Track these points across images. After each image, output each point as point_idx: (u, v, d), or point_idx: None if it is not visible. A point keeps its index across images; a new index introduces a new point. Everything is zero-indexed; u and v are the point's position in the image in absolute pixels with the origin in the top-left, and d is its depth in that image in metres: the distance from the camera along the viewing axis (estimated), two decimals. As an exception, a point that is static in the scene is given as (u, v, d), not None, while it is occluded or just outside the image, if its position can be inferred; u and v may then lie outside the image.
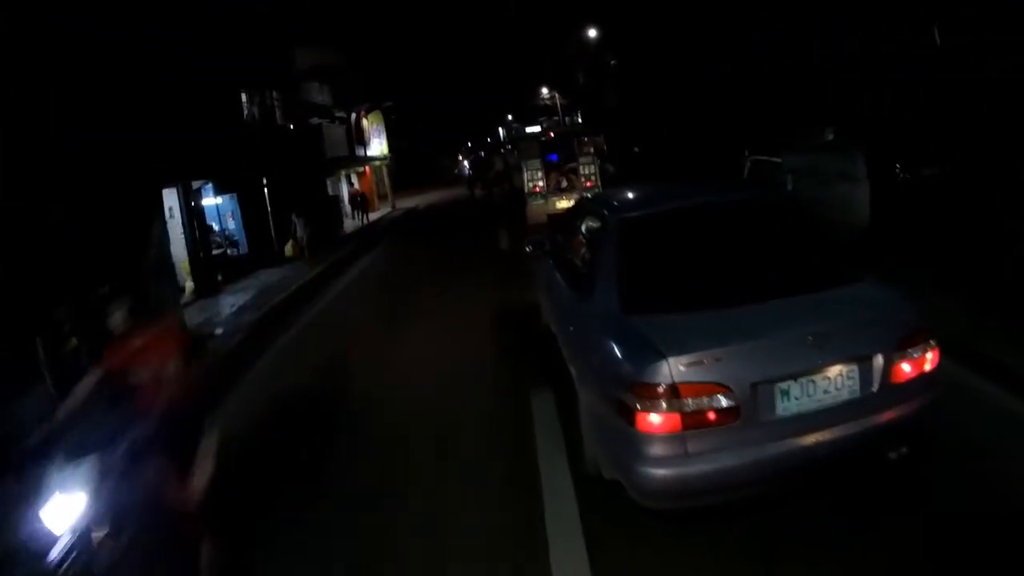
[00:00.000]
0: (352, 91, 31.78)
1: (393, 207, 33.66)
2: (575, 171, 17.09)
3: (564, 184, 17.02)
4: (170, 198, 14.74)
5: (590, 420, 3.94)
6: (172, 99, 12.70)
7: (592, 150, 17.57)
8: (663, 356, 3.14)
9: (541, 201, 16.90)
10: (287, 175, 21.38)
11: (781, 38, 17.24)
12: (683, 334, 3.29)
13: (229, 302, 13.74)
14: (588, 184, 16.70)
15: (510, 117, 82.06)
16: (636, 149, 27.35)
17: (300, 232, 19.58)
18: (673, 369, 3.11)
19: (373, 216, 30.53)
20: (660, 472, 3.18)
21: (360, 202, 28.55)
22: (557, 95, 53.76)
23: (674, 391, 3.11)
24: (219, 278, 15.98)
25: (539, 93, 56.92)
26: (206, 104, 15.61)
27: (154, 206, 12.51)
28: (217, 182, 17.97)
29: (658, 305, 3.59)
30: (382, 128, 33.19)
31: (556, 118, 70.62)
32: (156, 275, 11.11)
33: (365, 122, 29.61)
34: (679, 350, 3.15)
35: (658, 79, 26.43)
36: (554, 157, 17.43)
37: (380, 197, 36.45)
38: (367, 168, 32.10)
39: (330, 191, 29.67)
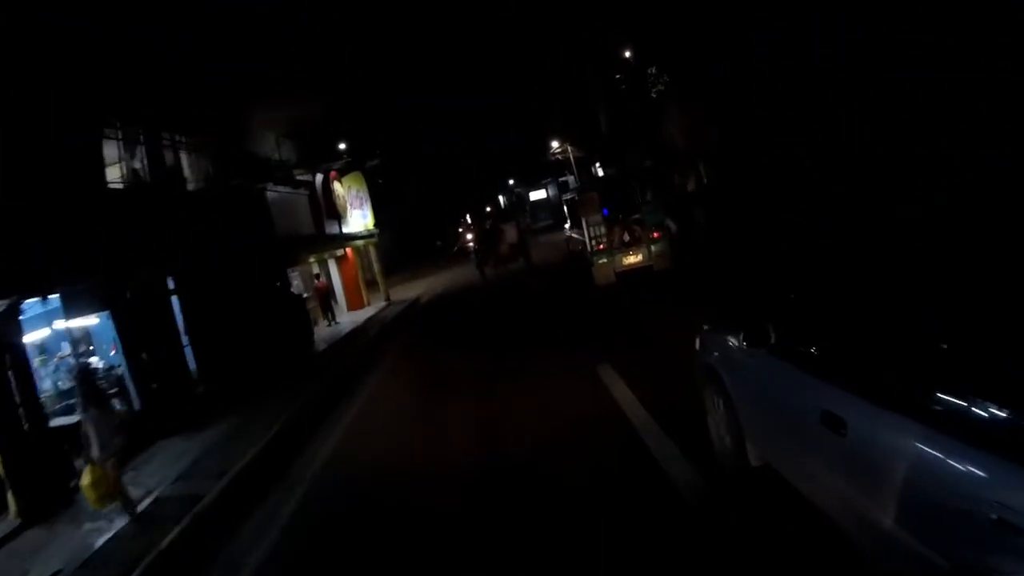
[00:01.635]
0: (322, 145, 24.27)
1: (387, 300, 25.54)
2: (640, 222, 16.25)
3: (627, 238, 16.19)
4: None
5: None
6: None
7: (651, 198, 16.83)
8: None
9: (606, 260, 16.16)
10: (215, 268, 13.45)
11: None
12: None
13: (78, 540, 7.03)
14: (655, 235, 16.20)
15: (511, 181, 75.41)
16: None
17: (96, 449, 6.98)
18: None
19: (359, 315, 22.41)
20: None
21: (326, 301, 20.67)
22: (570, 148, 46.59)
23: None
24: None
25: (548, 147, 49.77)
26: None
27: None
28: (66, 293, 10.02)
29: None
30: (365, 195, 25.37)
31: (564, 179, 63.90)
32: None
33: (339, 187, 21.73)
34: None
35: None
36: (606, 212, 16.37)
37: (368, 285, 28.51)
38: (348, 250, 24.20)
39: (299, 286, 21.78)
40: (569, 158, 47.33)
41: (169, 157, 13.25)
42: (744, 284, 10.67)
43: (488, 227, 27.42)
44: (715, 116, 18.12)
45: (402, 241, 48.04)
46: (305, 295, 21.39)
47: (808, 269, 4.62)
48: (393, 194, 46.08)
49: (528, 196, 79.24)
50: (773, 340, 3.86)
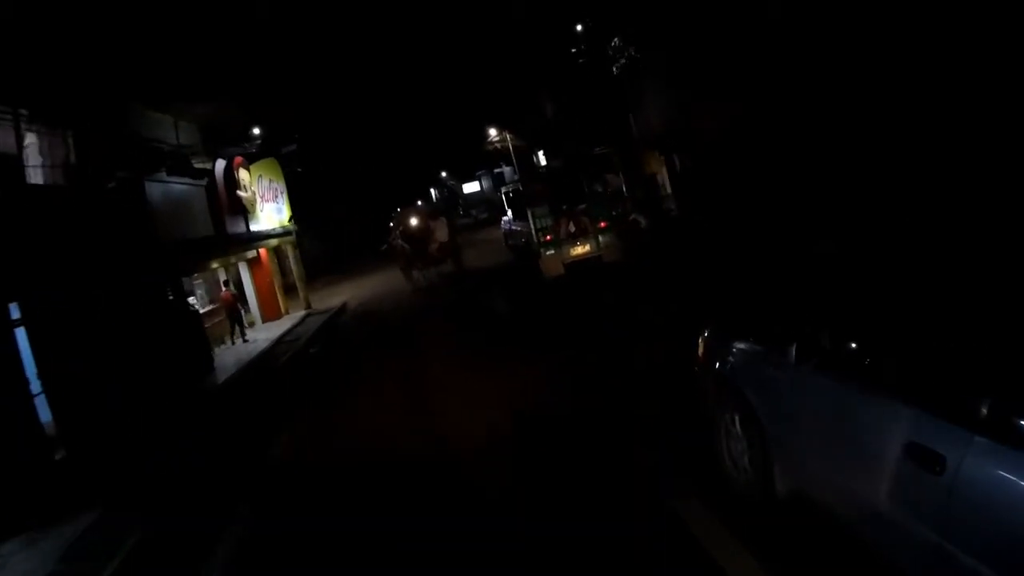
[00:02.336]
0: (235, 130, 20.84)
1: (308, 308, 22.33)
2: (587, 213, 16.39)
3: (574, 229, 16.35)
4: None
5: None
6: None
7: (600, 188, 16.84)
8: None
9: (554, 251, 16.27)
10: (80, 286, 10.25)
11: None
12: None
13: None
14: (603, 225, 16.34)
15: (444, 174, 72.27)
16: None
17: None
18: None
19: (276, 328, 19.20)
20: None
21: (235, 314, 17.45)
22: (509, 136, 43.90)
23: None
24: None
25: (486, 136, 46.91)
26: None
27: None
28: None
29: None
30: (281, 187, 22.02)
31: (500, 170, 61.33)
32: None
33: (246, 176, 18.38)
34: None
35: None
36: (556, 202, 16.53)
37: (288, 289, 25.18)
38: (261, 252, 20.89)
39: (203, 297, 18.49)
40: (508, 147, 44.64)
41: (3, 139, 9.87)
42: (731, 282, 9.86)
43: (414, 224, 24.12)
44: (695, 92, 15.66)
45: (337, 241, 44.34)
46: (204, 309, 18.11)
47: (869, 267, 3.98)
48: (324, 190, 42.47)
49: (461, 189, 76.67)
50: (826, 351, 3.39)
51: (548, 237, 16.21)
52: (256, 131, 23.61)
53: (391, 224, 27.85)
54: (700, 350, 4.99)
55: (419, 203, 26.89)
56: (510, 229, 21.08)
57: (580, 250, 16.19)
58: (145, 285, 12.90)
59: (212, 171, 16.79)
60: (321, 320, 19.45)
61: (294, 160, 26.48)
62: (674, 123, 16.18)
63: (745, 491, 4.29)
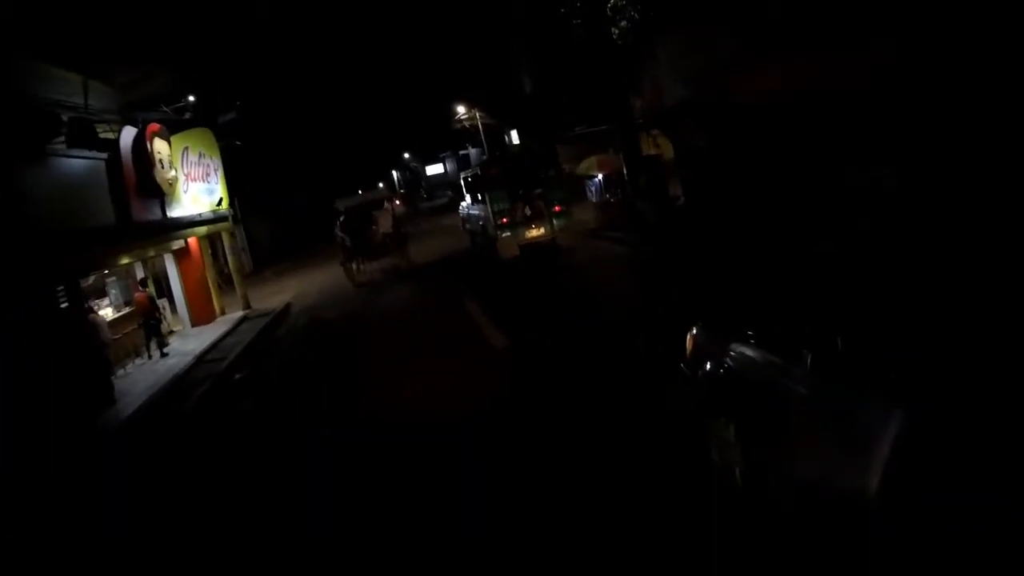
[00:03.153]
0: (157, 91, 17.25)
1: (246, 308, 18.97)
2: (542, 197, 16.98)
3: (530, 213, 16.94)
4: None
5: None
6: None
7: (553, 173, 17.76)
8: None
9: (510, 234, 16.95)
10: None
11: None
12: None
13: None
14: (557, 209, 16.99)
15: (407, 155, 68.61)
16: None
17: None
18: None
19: (207, 334, 15.87)
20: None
21: (151, 321, 14.07)
22: (479, 114, 40.54)
23: None
24: None
25: (454, 114, 43.40)
26: None
27: None
28: None
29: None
30: (215, 163, 18.46)
31: (466, 152, 58.18)
32: None
33: (163, 147, 14.78)
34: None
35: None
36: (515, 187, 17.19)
37: (226, 283, 21.71)
38: (191, 241, 17.47)
39: (116, 299, 15.21)
40: (477, 125, 41.32)
41: None
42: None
43: (355, 213, 21.94)
44: (752, 45, 12.40)
45: (291, 225, 40.52)
46: (117, 315, 14.74)
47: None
48: (277, 170, 38.69)
49: (425, 171, 73.23)
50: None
51: (505, 220, 16.91)
52: (191, 98, 20.05)
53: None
54: (688, 348, 4.94)
55: (359, 192, 24.65)
56: (468, 213, 21.38)
57: (535, 233, 16.94)
58: (19, 290, 9.56)
59: (117, 142, 13.22)
60: (259, 326, 16.14)
61: (233, 132, 22.79)
62: (702, 91, 13.15)
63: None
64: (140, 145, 13.64)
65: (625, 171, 17.80)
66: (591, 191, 19.68)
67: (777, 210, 13.16)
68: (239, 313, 18.56)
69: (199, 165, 17.19)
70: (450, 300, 14.61)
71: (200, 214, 16.81)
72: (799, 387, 3.38)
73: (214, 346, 14.64)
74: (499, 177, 17.26)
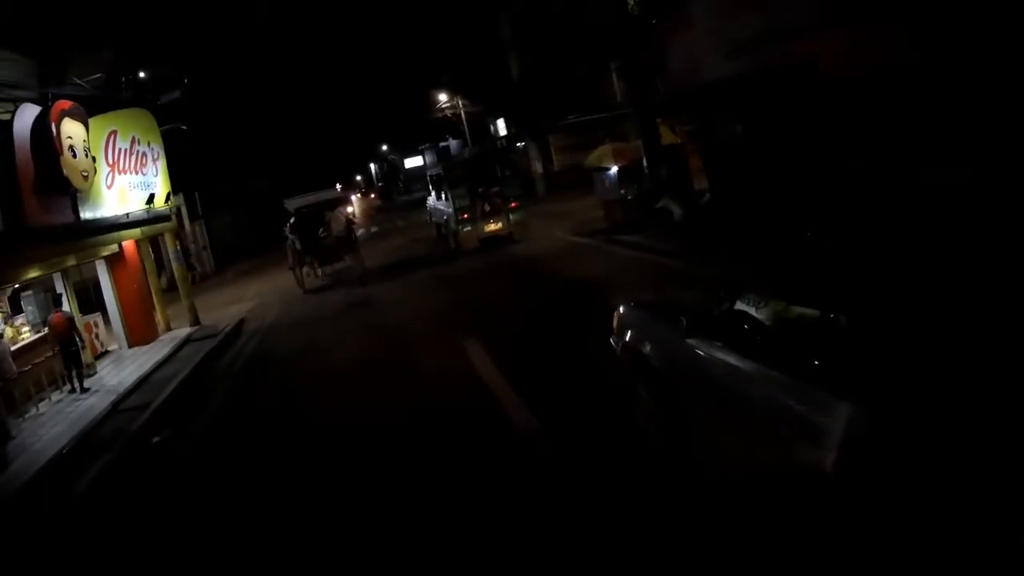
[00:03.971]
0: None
1: (194, 324, 16.21)
2: (500, 195, 18.41)
3: (488, 208, 18.29)
4: None
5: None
6: None
7: (510, 173, 19.01)
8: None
9: (470, 228, 18.28)
10: None
11: None
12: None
13: None
14: (513, 205, 18.48)
15: (384, 148, 65.57)
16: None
17: None
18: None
19: (145, 358, 13.12)
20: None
21: (69, 347, 11.24)
22: (461, 102, 37.72)
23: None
24: None
25: (436, 102, 40.46)
26: None
27: None
28: None
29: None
30: (156, 151, 15.55)
31: (446, 143, 55.49)
32: None
33: (76, 131, 11.83)
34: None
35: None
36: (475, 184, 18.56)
37: (172, 294, 18.86)
38: (128, 246, 14.64)
39: (33, 316, 12.54)
40: (460, 115, 38.48)
41: None
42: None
43: (306, 213, 20.61)
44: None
45: (259, 220, 37.43)
46: (32, 338, 12.01)
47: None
48: (245, 160, 35.62)
49: (403, 164, 70.23)
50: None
51: (466, 215, 18.26)
52: (127, 77, 17.14)
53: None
54: (615, 321, 5.47)
55: (308, 194, 22.38)
56: (434, 207, 22.56)
57: (493, 227, 18.36)
58: None
59: (11, 124, 10.33)
60: (202, 352, 13.30)
61: (180, 114, 19.80)
62: (751, 66, 10.56)
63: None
64: (42, 127, 10.73)
65: (645, 162, 15.22)
66: (604, 185, 16.94)
67: (834, 212, 10.62)
68: (185, 331, 15.72)
69: (131, 154, 14.25)
70: (437, 320, 11.91)
71: (128, 215, 13.86)
72: (679, 351, 4.07)
73: (145, 379, 11.80)
74: (461, 176, 18.60)
